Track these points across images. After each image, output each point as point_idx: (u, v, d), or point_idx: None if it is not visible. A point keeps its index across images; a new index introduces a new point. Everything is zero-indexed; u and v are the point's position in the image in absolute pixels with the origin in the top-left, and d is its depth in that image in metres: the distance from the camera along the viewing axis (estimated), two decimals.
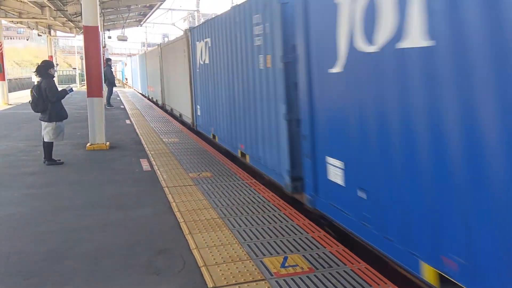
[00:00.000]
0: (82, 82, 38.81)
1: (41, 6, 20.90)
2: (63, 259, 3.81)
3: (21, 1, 19.21)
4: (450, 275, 2.71)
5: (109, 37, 30.89)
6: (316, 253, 3.79)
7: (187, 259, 3.75)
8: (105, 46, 24.55)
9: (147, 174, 6.78)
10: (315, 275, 3.39)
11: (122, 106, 18.49)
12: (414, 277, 3.24)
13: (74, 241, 4.21)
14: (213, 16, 8.62)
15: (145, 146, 9.09)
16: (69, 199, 5.56)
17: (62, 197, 5.67)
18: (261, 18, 5.75)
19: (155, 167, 7.13)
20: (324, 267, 3.53)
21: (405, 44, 3.00)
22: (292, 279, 3.34)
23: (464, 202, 2.58)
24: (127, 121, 13.44)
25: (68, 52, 62.24)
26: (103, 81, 11.94)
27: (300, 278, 3.36)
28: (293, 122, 5.05)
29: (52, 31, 31.34)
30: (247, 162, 6.82)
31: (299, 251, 3.85)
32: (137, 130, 11.34)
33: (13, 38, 59.24)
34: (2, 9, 19.83)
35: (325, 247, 3.91)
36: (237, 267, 3.54)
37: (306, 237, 4.16)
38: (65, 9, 19.57)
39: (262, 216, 4.78)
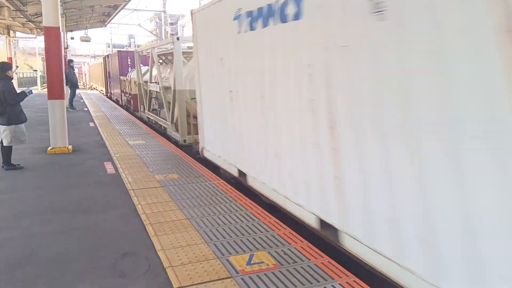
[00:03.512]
0: (44, 84, 37.54)
1: None
2: (24, 265, 3.71)
3: None
4: None
5: (72, 38, 30.09)
6: (281, 250, 3.87)
7: (152, 260, 3.74)
8: (67, 47, 23.88)
9: (111, 177, 6.67)
10: (280, 271, 3.47)
11: (85, 109, 18.05)
12: (374, 269, 3.37)
13: (37, 246, 4.11)
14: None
15: (109, 148, 8.93)
16: (31, 205, 5.40)
17: (23, 202, 5.50)
18: None
19: (120, 170, 7.02)
20: (289, 263, 3.61)
21: None
22: (257, 275, 3.40)
23: None
24: (91, 124, 13.15)
25: (29, 54, 60.02)
26: (65, 83, 11.65)
27: (265, 274, 3.42)
28: None
29: (11, 32, 30.24)
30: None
31: (264, 248, 3.92)
32: (101, 133, 11.12)
33: None
34: None
35: (290, 244, 3.99)
36: (203, 267, 3.56)
37: (272, 235, 4.23)
38: (25, 10, 18.95)
39: (229, 215, 4.81)
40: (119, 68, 19.68)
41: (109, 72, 24.85)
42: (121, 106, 19.61)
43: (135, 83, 15.13)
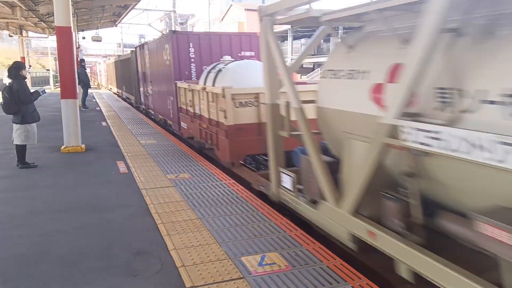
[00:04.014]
0: (56, 84, 37.74)
1: (12, 6, 20.38)
2: (38, 263, 3.75)
3: None
4: None
5: (83, 38, 30.43)
6: (293, 251, 3.85)
7: (165, 260, 3.75)
8: (79, 47, 24.09)
9: (123, 176, 6.72)
10: (292, 273, 3.46)
11: (98, 108, 18.21)
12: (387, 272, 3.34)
13: (49, 244, 4.16)
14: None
15: (121, 148, 8.99)
16: (44, 203, 5.46)
17: (37, 200, 5.57)
18: None
19: (132, 169, 7.07)
20: (301, 265, 3.60)
21: None
22: (269, 276, 3.39)
23: None
24: (103, 123, 13.26)
25: (41, 53, 60.65)
26: (78, 83, 11.76)
27: (277, 275, 3.41)
28: None
29: (24, 32, 30.60)
30: None
31: (276, 249, 3.91)
32: (114, 132, 11.20)
33: None
34: None
35: (302, 245, 3.98)
36: (215, 267, 3.57)
37: (283, 236, 4.22)
38: (37, 9, 19.14)
39: (240, 216, 4.81)
40: (174, 65, 10.22)
41: (143, 73, 15.22)
42: (180, 137, 10.68)
43: (251, 101, 7.05)
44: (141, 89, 16.41)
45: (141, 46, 15.62)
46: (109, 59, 38.08)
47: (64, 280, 3.46)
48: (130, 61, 18.52)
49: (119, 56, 26.12)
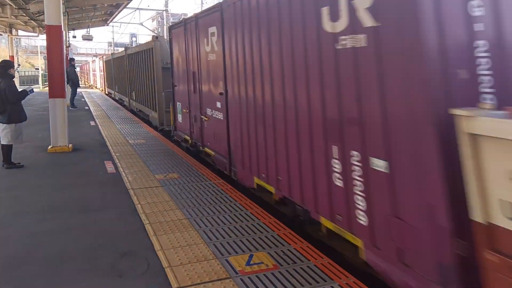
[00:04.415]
0: (45, 83, 37.05)
1: (2, 4, 20.18)
2: (22, 264, 3.69)
3: None
4: None
5: (74, 37, 30.09)
6: (281, 250, 3.84)
7: (151, 260, 3.71)
8: (69, 46, 23.86)
9: (111, 176, 6.66)
10: (279, 272, 3.44)
11: (86, 108, 18.05)
12: (372, 270, 3.34)
13: (35, 245, 4.09)
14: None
15: (110, 148, 8.91)
16: (30, 203, 5.39)
17: (22, 201, 5.49)
18: None
19: (120, 169, 7.01)
20: (288, 264, 3.58)
21: None
22: (257, 276, 3.37)
23: None
24: (92, 123, 13.14)
25: (31, 52, 60.13)
26: (67, 82, 11.64)
27: (264, 275, 3.39)
28: None
29: (13, 30, 30.25)
30: None
31: (264, 249, 3.89)
32: (102, 132, 11.10)
33: None
34: None
35: (290, 244, 3.97)
36: (202, 267, 3.54)
37: (271, 235, 4.20)
38: (27, 8, 18.93)
39: (229, 215, 4.79)
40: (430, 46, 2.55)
41: (193, 73, 7.64)
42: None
43: None
44: (179, 104, 8.96)
45: (186, 21, 8.06)
46: (99, 58, 32.90)
47: (49, 281, 3.40)
48: (151, 54, 11.95)
49: (125, 48, 18.14)
